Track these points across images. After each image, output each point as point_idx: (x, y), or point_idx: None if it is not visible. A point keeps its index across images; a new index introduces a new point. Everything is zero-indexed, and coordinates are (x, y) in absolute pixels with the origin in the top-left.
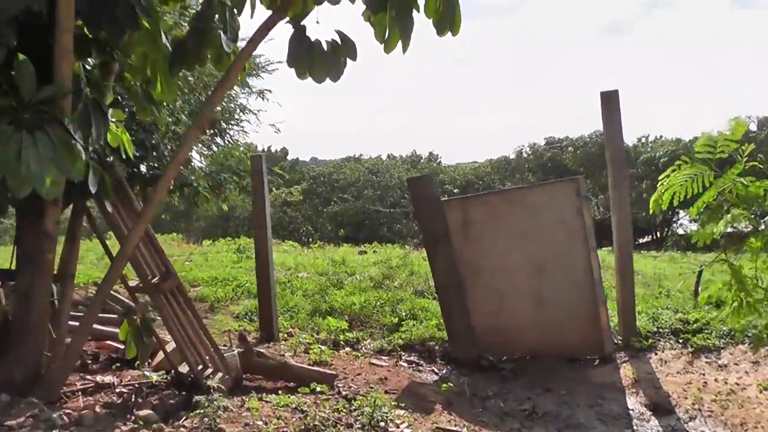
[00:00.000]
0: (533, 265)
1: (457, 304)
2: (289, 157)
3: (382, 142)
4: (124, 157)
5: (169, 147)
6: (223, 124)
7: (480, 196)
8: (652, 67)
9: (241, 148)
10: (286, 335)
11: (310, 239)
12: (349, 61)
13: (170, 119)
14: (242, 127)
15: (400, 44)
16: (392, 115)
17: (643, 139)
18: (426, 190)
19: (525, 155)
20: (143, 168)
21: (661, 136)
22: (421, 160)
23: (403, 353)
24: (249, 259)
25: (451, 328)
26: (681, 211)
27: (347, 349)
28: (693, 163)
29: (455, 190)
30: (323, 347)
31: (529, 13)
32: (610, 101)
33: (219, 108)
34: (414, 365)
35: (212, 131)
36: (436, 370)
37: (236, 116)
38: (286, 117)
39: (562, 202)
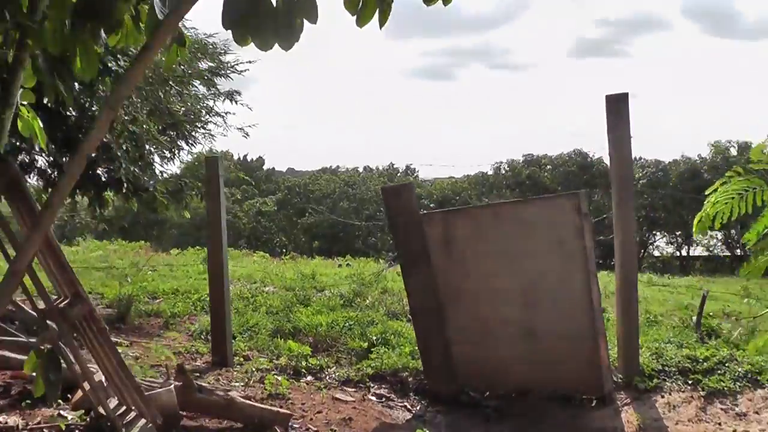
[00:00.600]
0: (524, 290)
1: (435, 332)
2: (265, 167)
3: (359, 154)
4: (37, 148)
5: (124, 147)
6: (186, 126)
7: (465, 210)
8: (629, 88)
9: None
10: (242, 359)
11: (284, 250)
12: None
13: (126, 117)
14: (209, 130)
15: (376, 17)
16: (370, 128)
17: None
18: (403, 201)
19: (503, 171)
20: (100, 171)
21: (640, 158)
22: (398, 174)
23: (372, 384)
24: None
25: (428, 358)
26: (657, 233)
27: (309, 378)
28: (746, 175)
29: (431, 205)
30: (281, 377)
31: (510, 29)
32: (617, 106)
33: (182, 107)
34: (384, 400)
35: (174, 133)
36: (409, 406)
37: (202, 118)
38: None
39: (561, 219)
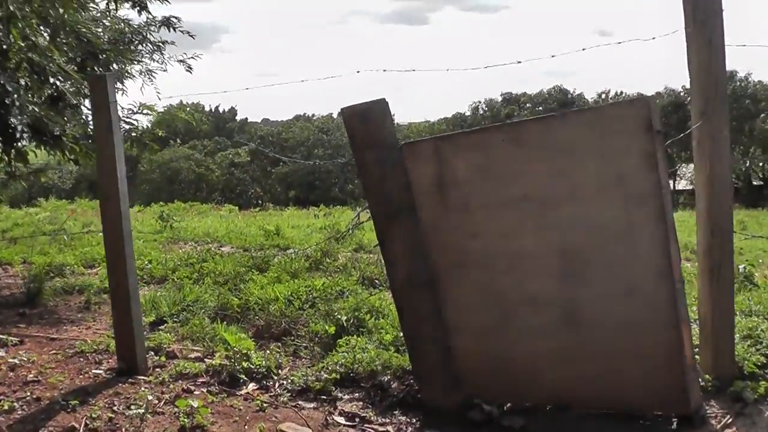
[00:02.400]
0: (562, 254)
1: (427, 318)
2: (237, 118)
3: (335, 101)
4: None
5: (22, 81)
6: (112, 57)
7: (468, 135)
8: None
9: (188, 108)
10: (164, 358)
11: (259, 201)
12: None
13: (21, 44)
14: (144, 63)
15: None
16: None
17: (603, 95)
18: (373, 127)
19: (481, 112)
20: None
21: (621, 92)
22: None
23: (340, 395)
24: (172, 229)
25: (418, 356)
26: (681, 164)
27: (251, 387)
28: None
29: None
30: (208, 390)
31: None
32: None
33: (104, 34)
34: (357, 422)
35: (97, 67)
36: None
37: (132, 47)
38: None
39: (620, 142)
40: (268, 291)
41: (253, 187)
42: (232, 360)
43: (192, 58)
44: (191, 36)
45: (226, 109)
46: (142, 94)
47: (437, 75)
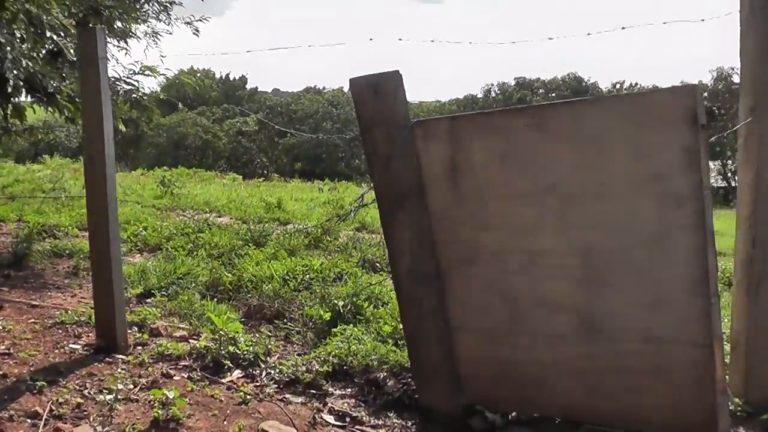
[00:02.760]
0: (584, 254)
1: (430, 314)
2: (247, 86)
3: (345, 75)
4: None
5: (18, 34)
6: (116, 14)
7: (487, 116)
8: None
9: (198, 75)
10: (148, 335)
11: (265, 171)
12: None
13: None
14: (150, 24)
15: None
16: (357, 50)
17: (618, 85)
18: (383, 103)
19: (494, 95)
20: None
21: (636, 83)
22: None
23: (330, 390)
24: (172, 196)
25: (418, 355)
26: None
27: (236, 374)
28: None
29: None
30: (188, 376)
31: None
32: None
33: None
34: (348, 422)
35: (99, 23)
36: None
37: (138, 5)
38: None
39: (658, 135)
40: (263, 268)
41: (260, 156)
42: (218, 343)
43: (200, 20)
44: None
45: (237, 77)
46: (145, 56)
47: (450, 56)
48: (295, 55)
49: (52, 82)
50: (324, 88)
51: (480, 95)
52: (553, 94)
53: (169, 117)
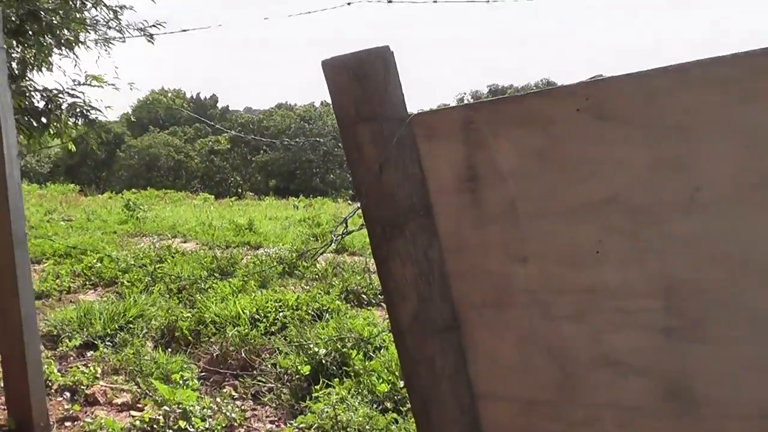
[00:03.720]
0: (669, 294)
1: (446, 375)
2: (219, 105)
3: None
4: None
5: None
6: (56, 18)
7: (519, 100)
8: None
9: (169, 94)
10: (79, 406)
11: (239, 190)
12: None
13: None
14: (101, 31)
15: None
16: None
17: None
18: (373, 91)
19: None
20: None
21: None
22: None
23: None
24: (137, 221)
25: (432, 430)
26: None
27: None
28: None
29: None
30: None
31: None
32: None
33: None
34: None
35: (36, 26)
36: None
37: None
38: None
39: None
40: (229, 305)
41: (233, 175)
42: (167, 418)
43: (154, 26)
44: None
45: (208, 96)
46: (97, 67)
47: (422, 63)
48: (266, 72)
49: None
50: (295, 104)
51: (454, 104)
52: None
53: (140, 138)
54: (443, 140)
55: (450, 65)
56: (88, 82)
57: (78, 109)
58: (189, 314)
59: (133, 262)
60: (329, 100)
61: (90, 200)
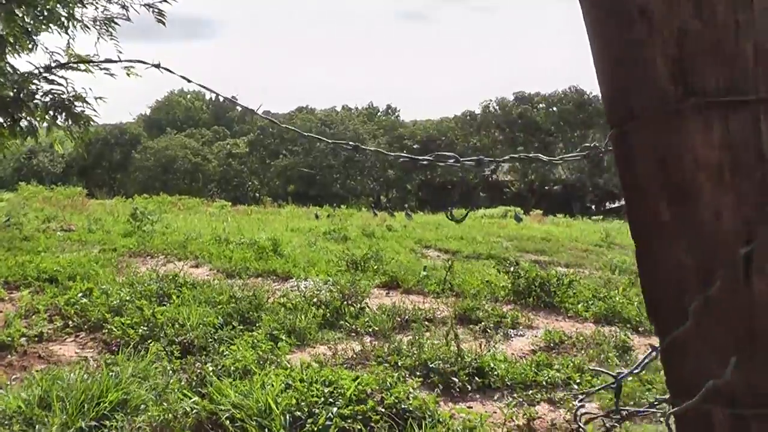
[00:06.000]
0: None
1: None
2: (237, 108)
3: (339, 96)
4: None
5: None
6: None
7: None
8: None
9: (188, 96)
10: None
11: (257, 195)
12: None
13: None
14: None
15: None
16: (350, 69)
17: None
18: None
19: (492, 110)
20: None
21: None
22: (378, 113)
23: None
24: (143, 234)
25: None
26: None
27: None
28: None
29: (415, 146)
30: None
31: None
32: None
33: None
34: None
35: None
36: None
37: None
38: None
39: None
40: (255, 390)
41: (251, 179)
42: None
43: (162, 1)
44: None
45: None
46: (96, 51)
47: (445, 72)
48: (285, 75)
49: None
50: (314, 109)
51: (478, 111)
52: (554, 108)
53: (157, 140)
54: None
55: (476, 73)
56: (71, 65)
57: (56, 100)
58: (195, 404)
59: (128, 298)
60: (351, 104)
61: (98, 204)
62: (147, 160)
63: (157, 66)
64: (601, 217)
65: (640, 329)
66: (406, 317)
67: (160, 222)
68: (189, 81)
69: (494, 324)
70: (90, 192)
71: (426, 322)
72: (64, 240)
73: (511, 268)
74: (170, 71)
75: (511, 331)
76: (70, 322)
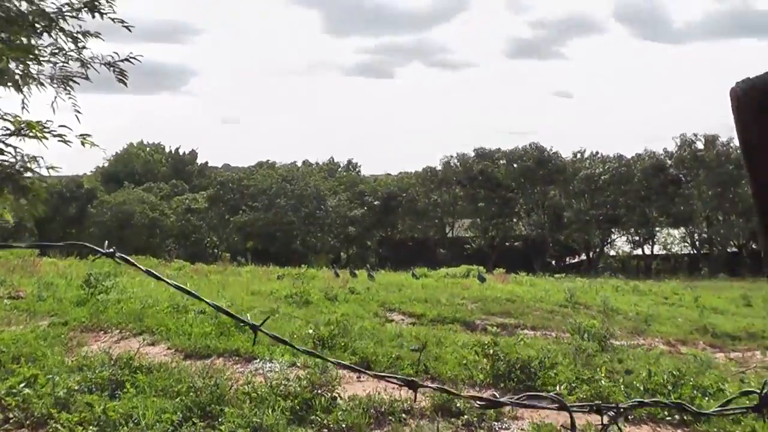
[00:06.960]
0: None
1: None
2: (198, 161)
3: (298, 150)
4: None
5: None
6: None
7: None
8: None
9: (147, 149)
10: None
11: (216, 251)
12: None
13: None
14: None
15: None
16: (310, 125)
17: (579, 155)
18: None
19: (453, 166)
20: None
21: (597, 153)
22: (339, 168)
23: None
24: (97, 302)
25: None
26: (614, 231)
27: None
28: None
29: (376, 202)
30: None
31: (447, 27)
32: None
33: None
34: None
35: None
36: None
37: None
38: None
39: None
40: None
41: (210, 235)
42: None
43: (127, 59)
44: (127, 28)
45: (186, 152)
46: (53, 112)
47: (405, 128)
48: (246, 129)
49: None
50: (275, 162)
51: (439, 167)
52: (515, 165)
53: (114, 194)
54: None
55: (435, 130)
56: (21, 132)
57: (2, 171)
58: None
59: (77, 388)
60: (312, 160)
61: (51, 264)
62: (103, 215)
63: (111, 255)
64: (564, 274)
65: (630, 417)
66: (382, 409)
67: (115, 288)
68: (161, 280)
69: (477, 417)
70: (42, 250)
71: (403, 415)
72: (11, 310)
73: (491, 350)
74: (127, 261)
75: (495, 424)
76: (11, 415)
